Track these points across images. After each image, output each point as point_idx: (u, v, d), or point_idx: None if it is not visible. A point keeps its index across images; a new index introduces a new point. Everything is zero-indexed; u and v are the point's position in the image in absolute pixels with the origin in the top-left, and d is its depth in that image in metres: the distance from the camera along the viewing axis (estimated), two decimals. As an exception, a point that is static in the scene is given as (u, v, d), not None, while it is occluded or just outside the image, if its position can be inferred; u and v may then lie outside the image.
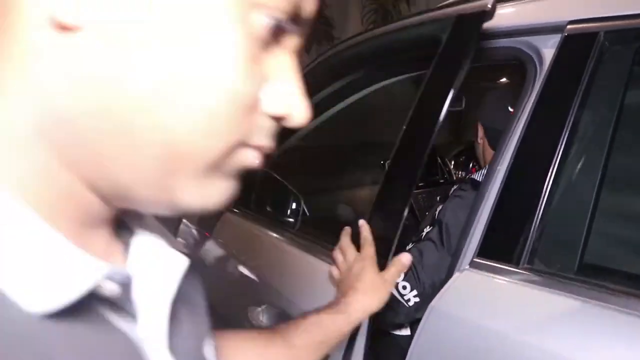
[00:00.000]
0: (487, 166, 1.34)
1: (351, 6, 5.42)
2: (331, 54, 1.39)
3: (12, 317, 0.25)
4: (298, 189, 1.45)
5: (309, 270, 1.16)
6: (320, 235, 1.26)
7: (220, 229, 1.57)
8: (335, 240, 0.92)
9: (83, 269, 0.27)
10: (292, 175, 1.68)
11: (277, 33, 0.30)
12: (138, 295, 0.33)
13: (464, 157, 2.51)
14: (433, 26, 1.07)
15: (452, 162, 2.45)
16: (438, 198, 2.18)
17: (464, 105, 2.12)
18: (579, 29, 0.95)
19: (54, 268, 0.27)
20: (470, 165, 2.52)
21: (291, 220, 1.46)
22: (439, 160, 2.38)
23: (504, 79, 1.96)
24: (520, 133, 0.98)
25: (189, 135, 0.28)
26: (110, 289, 0.30)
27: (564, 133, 0.91)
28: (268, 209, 1.62)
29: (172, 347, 0.35)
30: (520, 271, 0.91)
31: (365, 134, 2.53)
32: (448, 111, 2.12)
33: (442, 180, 2.34)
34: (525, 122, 0.98)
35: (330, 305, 0.75)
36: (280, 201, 1.75)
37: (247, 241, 1.48)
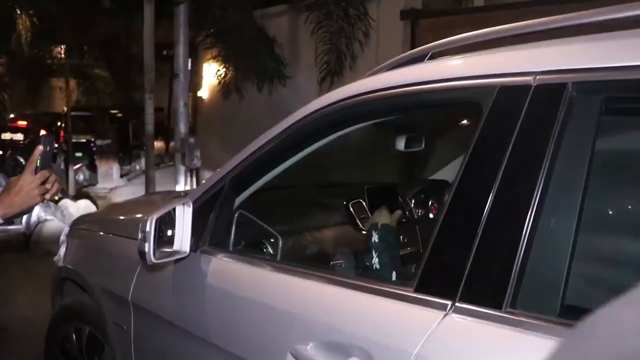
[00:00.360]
0: None
1: (303, 45, 5.52)
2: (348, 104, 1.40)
3: None
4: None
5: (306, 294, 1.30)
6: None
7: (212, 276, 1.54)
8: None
9: None
10: (262, 216, 1.69)
11: None
12: None
13: (423, 196, 2.56)
14: (468, 92, 1.12)
15: (413, 201, 2.50)
16: (401, 237, 2.21)
17: (423, 145, 2.18)
18: (549, 79, 1.01)
19: None
20: (430, 203, 2.57)
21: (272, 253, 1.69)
22: (400, 199, 2.42)
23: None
24: (498, 180, 1.01)
25: None
26: None
27: (539, 180, 0.96)
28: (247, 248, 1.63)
29: None
30: (504, 315, 0.94)
31: (329, 176, 2.55)
32: (408, 152, 2.18)
33: (404, 220, 2.38)
34: (502, 169, 1.02)
35: None
36: (259, 241, 1.78)
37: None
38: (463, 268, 1.02)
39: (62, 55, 11.68)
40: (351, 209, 2.19)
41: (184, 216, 1.56)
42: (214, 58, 6.29)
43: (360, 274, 1.57)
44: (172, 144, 14.39)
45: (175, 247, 1.55)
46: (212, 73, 7.17)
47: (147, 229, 1.44)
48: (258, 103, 6.25)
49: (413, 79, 1.26)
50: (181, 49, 4.79)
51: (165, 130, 13.64)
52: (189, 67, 5.14)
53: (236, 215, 1.68)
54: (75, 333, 2.27)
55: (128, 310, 1.82)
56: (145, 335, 1.78)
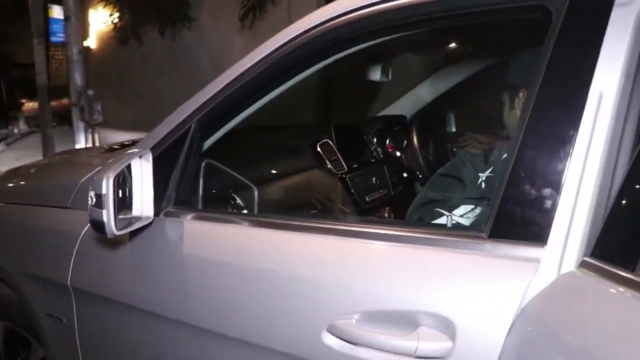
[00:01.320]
0: None
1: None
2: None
3: None
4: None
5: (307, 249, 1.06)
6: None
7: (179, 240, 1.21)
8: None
9: None
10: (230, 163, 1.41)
11: None
12: None
13: (385, 133, 2.35)
14: None
15: (375, 139, 2.28)
16: (374, 179, 1.99)
17: (390, 76, 1.97)
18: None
19: None
20: (387, 141, 2.37)
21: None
22: (365, 138, 2.19)
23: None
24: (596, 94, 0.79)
25: None
26: None
27: None
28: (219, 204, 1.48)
29: None
30: (634, 277, 0.72)
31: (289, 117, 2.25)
32: (374, 82, 1.87)
33: (372, 160, 2.16)
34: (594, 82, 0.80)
35: None
36: (230, 194, 1.54)
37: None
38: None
39: None
40: (320, 151, 1.92)
41: (142, 171, 1.20)
42: (105, 1, 5.51)
43: (396, 222, 1.32)
44: (52, 102, 12.92)
45: (135, 212, 1.20)
46: (100, 19, 6.34)
47: (104, 191, 1.07)
48: (159, 50, 5.62)
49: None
50: (70, -13, 4.09)
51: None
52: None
53: (203, 165, 1.34)
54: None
55: (67, 298, 1.44)
56: (97, 326, 1.42)
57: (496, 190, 0.89)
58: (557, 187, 0.83)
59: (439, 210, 1.28)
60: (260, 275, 1.08)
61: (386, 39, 1.14)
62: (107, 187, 1.07)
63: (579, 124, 0.82)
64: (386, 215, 2.04)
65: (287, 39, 1.17)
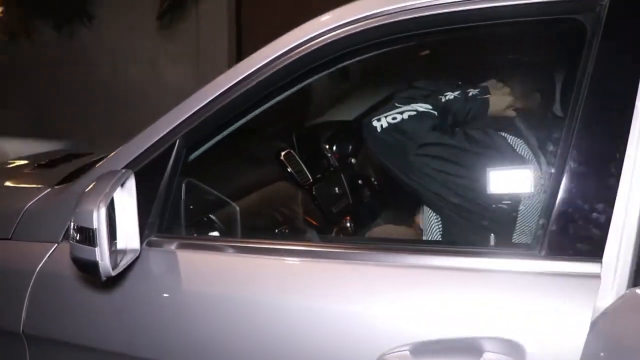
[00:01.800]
0: None
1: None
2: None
3: None
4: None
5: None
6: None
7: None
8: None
9: None
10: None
11: None
12: None
13: (337, 140, 2.29)
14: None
15: (327, 146, 2.21)
16: (336, 189, 1.93)
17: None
18: None
19: None
20: (334, 148, 2.31)
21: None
22: (322, 147, 2.12)
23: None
24: None
25: None
26: None
27: None
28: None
29: None
30: None
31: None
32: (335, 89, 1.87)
33: (331, 169, 2.10)
34: None
35: None
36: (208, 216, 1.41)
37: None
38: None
39: None
40: (285, 162, 1.81)
41: (124, 197, 1.04)
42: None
43: (438, 244, 1.25)
44: None
45: (120, 244, 1.03)
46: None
47: (94, 225, 0.90)
48: (55, 49, 5.10)
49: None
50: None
51: None
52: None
53: (184, 185, 1.20)
54: None
55: (18, 347, 1.21)
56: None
57: (547, 208, 0.86)
58: (609, 201, 0.82)
59: (396, 104, 1.27)
60: (291, 311, 0.96)
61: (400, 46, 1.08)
62: (99, 220, 0.90)
63: (627, 137, 0.82)
64: (348, 225, 1.98)
65: (289, 47, 1.07)
